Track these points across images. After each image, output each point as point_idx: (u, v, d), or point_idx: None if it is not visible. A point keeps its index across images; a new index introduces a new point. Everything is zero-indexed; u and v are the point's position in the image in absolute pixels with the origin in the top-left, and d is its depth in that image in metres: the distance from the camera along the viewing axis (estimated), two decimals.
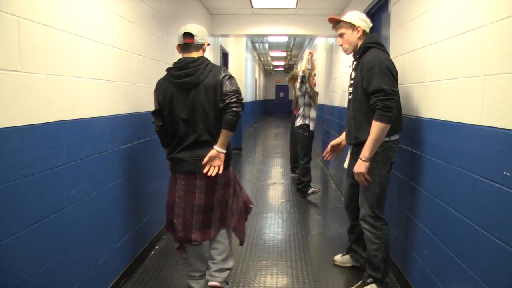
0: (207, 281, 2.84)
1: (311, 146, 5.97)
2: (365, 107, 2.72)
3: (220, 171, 2.64)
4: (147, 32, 3.60)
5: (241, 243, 2.99)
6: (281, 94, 31.53)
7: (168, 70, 2.77)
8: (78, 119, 2.40)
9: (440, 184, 2.47)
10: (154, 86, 3.71)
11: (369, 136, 2.63)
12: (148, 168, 3.67)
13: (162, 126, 2.76)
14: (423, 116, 2.75)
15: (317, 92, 5.79)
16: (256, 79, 19.15)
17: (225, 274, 2.83)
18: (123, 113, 3.10)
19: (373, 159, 2.71)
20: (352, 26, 2.86)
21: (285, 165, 8.44)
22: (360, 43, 2.85)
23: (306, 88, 5.73)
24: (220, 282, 2.79)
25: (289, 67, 26.91)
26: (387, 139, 2.72)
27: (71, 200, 2.34)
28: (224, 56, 8.74)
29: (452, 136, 2.29)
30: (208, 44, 2.84)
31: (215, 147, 2.65)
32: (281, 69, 29.30)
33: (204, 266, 2.87)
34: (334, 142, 3.37)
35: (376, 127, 2.58)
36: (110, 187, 2.88)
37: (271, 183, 6.82)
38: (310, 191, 5.84)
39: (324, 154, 3.38)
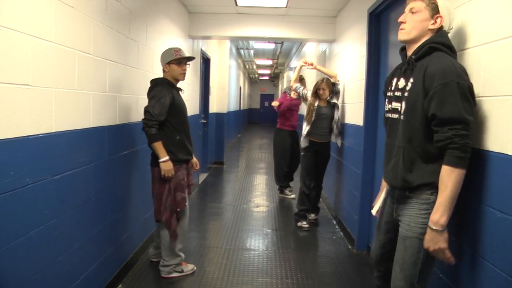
0: (158, 253, 3.61)
1: (307, 168, 5.03)
2: (422, 137, 1.87)
3: (168, 175, 3.23)
4: (98, 24, 2.76)
5: (172, 237, 3.38)
6: (266, 103, 30.83)
7: None
8: None
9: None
10: (107, 93, 2.96)
11: (444, 192, 1.76)
12: (92, 206, 2.82)
13: None
14: (493, 150, 1.80)
15: (313, 103, 4.92)
16: (240, 87, 18.41)
17: (167, 269, 3.45)
18: (55, 131, 2.25)
19: (422, 212, 1.89)
20: (434, 11, 1.94)
21: (270, 182, 7.64)
22: (426, 38, 1.96)
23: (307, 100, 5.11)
24: (165, 275, 3.46)
25: (275, 76, 26.26)
26: None
27: None
28: (205, 61, 7.92)
29: None
30: (168, 64, 3.34)
31: None
32: (267, 77, 28.62)
33: (157, 241, 3.64)
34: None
35: (453, 176, 1.74)
36: (18, 244, 2.02)
37: (254, 206, 5.99)
38: (298, 224, 5.04)
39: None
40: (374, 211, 2.29)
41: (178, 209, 3.36)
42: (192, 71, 6.10)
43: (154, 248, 3.73)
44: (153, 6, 4.11)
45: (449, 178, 1.74)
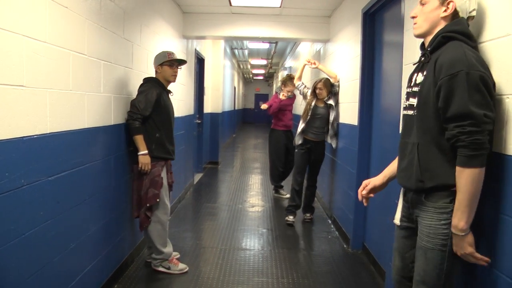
0: (150, 253, 3.65)
1: (300, 165, 5.14)
2: (437, 131, 1.73)
3: (144, 168, 3.32)
4: (92, 25, 2.75)
5: (140, 228, 3.52)
6: (261, 103, 30.77)
7: None
8: None
9: None
10: (102, 94, 2.96)
11: (459, 195, 1.64)
12: (87, 207, 2.81)
13: None
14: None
15: (310, 103, 5.05)
16: (235, 87, 18.40)
17: (154, 262, 3.58)
18: (50, 132, 2.24)
19: (442, 222, 1.75)
20: None
21: (265, 182, 7.65)
22: (440, 27, 1.80)
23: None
24: (153, 266, 3.60)
25: (269, 76, 26.26)
26: None
27: None
28: (200, 62, 7.91)
29: None
30: (161, 66, 3.49)
31: None
32: (261, 77, 28.62)
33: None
34: (376, 182, 2.18)
35: (466, 176, 1.61)
36: (14, 245, 2.02)
37: (249, 206, 6.00)
38: (285, 219, 5.14)
39: (359, 197, 2.20)
40: (397, 221, 2.08)
41: (147, 204, 3.39)
42: (186, 71, 6.09)
43: (148, 249, 3.73)
44: (148, 6, 4.10)
45: (460, 179, 1.63)
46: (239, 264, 3.82)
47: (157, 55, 3.54)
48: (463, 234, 1.65)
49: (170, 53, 3.51)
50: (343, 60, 4.90)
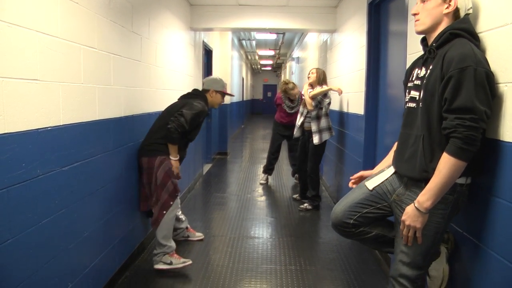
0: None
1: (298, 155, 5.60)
2: (438, 125, 1.78)
3: (174, 171, 3.49)
4: (102, 19, 2.82)
5: (154, 223, 3.45)
6: (269, 94, 30.78)
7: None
8: None
9: None
10: (112, 86, 3.03)
11: (436, 177, 1.73)
12: (99, 196, 2.90)
13: None
14: (506, 140, 1.70)
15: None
16: (243, 78, 18.41)
17: (155, 257, 3.46)
18: (63, 124, 2.33)
19: (439, 211, 1.83)
20: None
21: (273, 172, 7.70)
22: (444, 24, 1.85)
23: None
24: (154, 265, 3.44)
25: (277, 66, 26.23)
26: (463, 181, 1.82)
27: None
28: (208, 53, 7.96)
29: None
30: (215, 92, 3.83)
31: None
32: (269, 68, 28.58)
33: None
34: (365, 173, 2.39)
35: (450, 164, 1.69)
36: (31, 232, 2.11)
37: (258, 195, 6.08)
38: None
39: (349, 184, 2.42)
40: (370, 186, 2.15)
41: (171, 202, 3.41)
42: (194, 62, 6.16)
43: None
44: (155, 1, 4.15)
45: (444, 165, 1.70)
46: (248, 252, 3.90)
47: (214, 79, 3.88)
48: (425, 212, 1.78)
49: (226, 85, 3.88)
50: (350, 50, 4.93)
